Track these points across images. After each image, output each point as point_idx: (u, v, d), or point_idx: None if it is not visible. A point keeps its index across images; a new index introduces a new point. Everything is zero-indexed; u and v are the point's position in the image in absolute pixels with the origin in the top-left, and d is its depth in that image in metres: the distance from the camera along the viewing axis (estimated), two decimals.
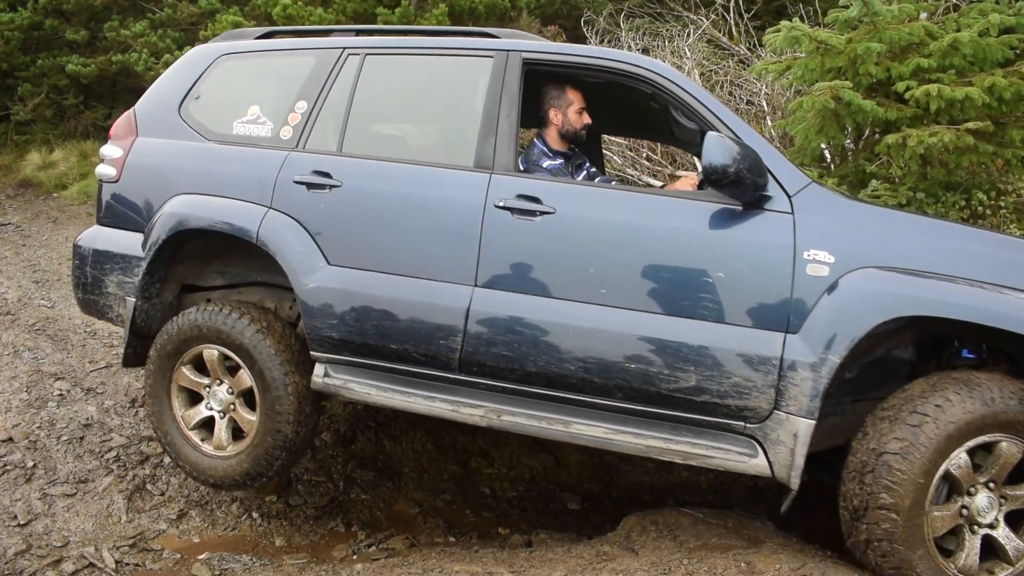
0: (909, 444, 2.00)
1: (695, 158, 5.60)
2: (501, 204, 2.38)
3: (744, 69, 6.51)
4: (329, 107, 2.71)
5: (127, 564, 2.65)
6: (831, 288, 2.12)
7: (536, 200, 2.36)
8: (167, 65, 7.07)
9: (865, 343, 2.10)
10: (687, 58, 6.54)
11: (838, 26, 4.43)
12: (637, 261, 2.28)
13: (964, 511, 2.05)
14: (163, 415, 2.78)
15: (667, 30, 7.14)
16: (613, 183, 2.99)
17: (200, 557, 2.73)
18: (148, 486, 3.06)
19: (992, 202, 4.07)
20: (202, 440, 2.78)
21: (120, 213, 2.88)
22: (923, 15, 4.48)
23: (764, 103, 6.12)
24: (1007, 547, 2.05)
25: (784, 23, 4.34)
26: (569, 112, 2.82)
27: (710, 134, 2.15)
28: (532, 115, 2.80)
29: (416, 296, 2.43)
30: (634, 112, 3.13)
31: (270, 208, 2.60)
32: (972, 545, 2.05)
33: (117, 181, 2.89)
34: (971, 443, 2.01)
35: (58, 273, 5.38)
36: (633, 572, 2.20)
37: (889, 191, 4.03)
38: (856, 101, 3.89)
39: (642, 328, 2.24)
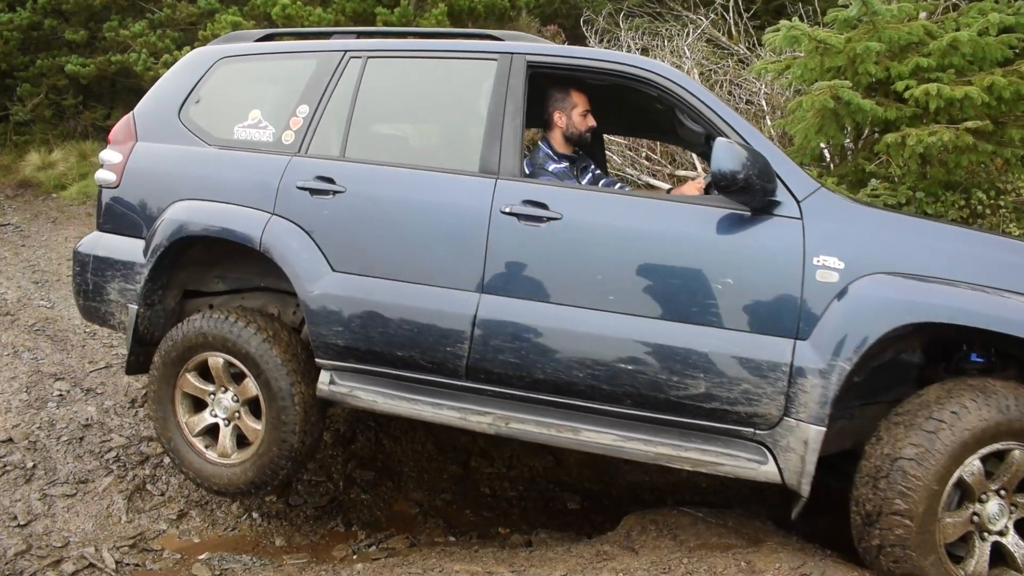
0: (925, 450, 1.99)
1: (695, 157, 5.61)
2: (507, 210, 2.36)
3: (743, 69, 6.52)
4: (331, 111, 2.68)
5: (127, 564, 2.65)
6: (841, 294, 2.11)
7: (542, 206, 2.35)
8: (166, 65, 7.09)
9: (875, 349, 2.09)
10: (686, 58, 6.54)
11: (837, 25, 4.43)
12: (645, 267, 2.27)
13: (975, 518, 2.05)
14: (167, 421, 2.76)
15: (666, 30, 7.15)
16: (618, 185, 2.97)
17: (200, 557, 2.73)
18: (148, 486, 3.06)
19: (991, 201, 4.07)
20: (206, 447, 2.76)
21: (121, 219, 2.86)
22: (922, 14, 4.49)
23: (763, 102, 6.12)
24: (1016, 555, 2.05)
25: (783, 22, 4.34)
26: (574, 115, 2.80)
27: (719, 140, 2.14)
28: (535, 115, 2.78)
29: (422, 303, 2.41)
30: (636, 112, 3.12)
31: (273, 214, 2.58)
32: (982, 552, 2.05)
33: (117, 187, 2.86)
34: (985, 450, 2.01)
35: (57, 273, 5.38)
36: (633, 571, 2.20)
37: (888, 190, 4.03)
38: (855, 100, 3.89)
39: (651, 335, 2.23)
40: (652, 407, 2.26)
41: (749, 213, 2.22)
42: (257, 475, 2.64)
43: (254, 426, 2.66)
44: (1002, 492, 2.06)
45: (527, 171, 2.71)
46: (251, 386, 2.63)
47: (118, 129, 2.97)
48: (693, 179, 5.58)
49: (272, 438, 2.60)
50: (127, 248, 2.81)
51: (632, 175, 5.79)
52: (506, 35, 2.71)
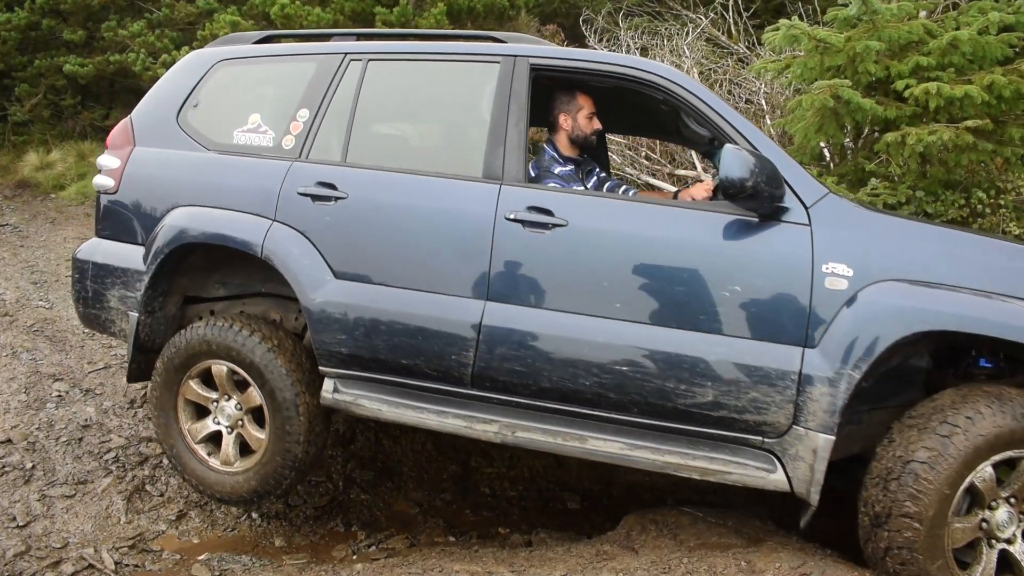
0: (938, 454, 1.99)
1: (695, 156, 5.60)
2: (512, 216, 2.34)
3: (743, 68, 6.51)
4: (332, 115, 2.65)
5: (126, 565, 2.65)
6: (850, 301, 2.09)
7: (548, 212, 2.33)
8: (165, 65, 7.07)
9: (884, 356, 2.07)
10: (686, 57, 6.54)
11: (837, 24, 4.43)
12: (651, 274, 2.25)
13: (984, 524, 2.05)
14: (169, 428, 2.74)
15: (666, 29, 7.14)
16: (623, 188, 2.95)
17: (200, 558, 2.73)
18: (147, 487, 3.06)
19: (991, 200, 4.07)
20: (209, 454, 2.74)
21: (120, 225, 2.83)
22: (922, 13, 4.48)
23: (763, 102, 6.11)
24: (1023, 563, 2.05)
25: (783, 21, 4.34)
26: (579, 117, 2.78)
27: (727, 147, 2.12)
28: (537, 114, 2.74)
29: (426, 311, 2.39)
30: (637, 111, 3.11)
31: (274, 220, 2.55)
32: (989, 559, 2.05)
33: (115, 192, 2.83)
34: (998, 457, 2.01)
35: (56, 274, 5.37)
36: (633, 571, 2.20)
37: (888, 190, 4.03)
38: (855, 100, 3.89)
39: (658, 343, 2.21)
40: (659, 415, 2.23)
41: (757, 219, 2.20)
42: (260, 484, 2.62)
43: (257, 435, 2.64)
44: (1012, 500, 2.06)
45: (532, 173, 2.69)
46: (255, 395, 2.61)
47: (116, 134, 2.94)
48: (694, 179, 5.58)
49: (276, 448, 2.58)
50: (126, 255, 2.78)
51: (632, 174, 5.78)
52: (509, 37, 2.68)
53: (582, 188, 2.76)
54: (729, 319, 2.18)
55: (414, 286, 2.42)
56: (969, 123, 3.71)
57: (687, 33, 6.92)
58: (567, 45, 7.70)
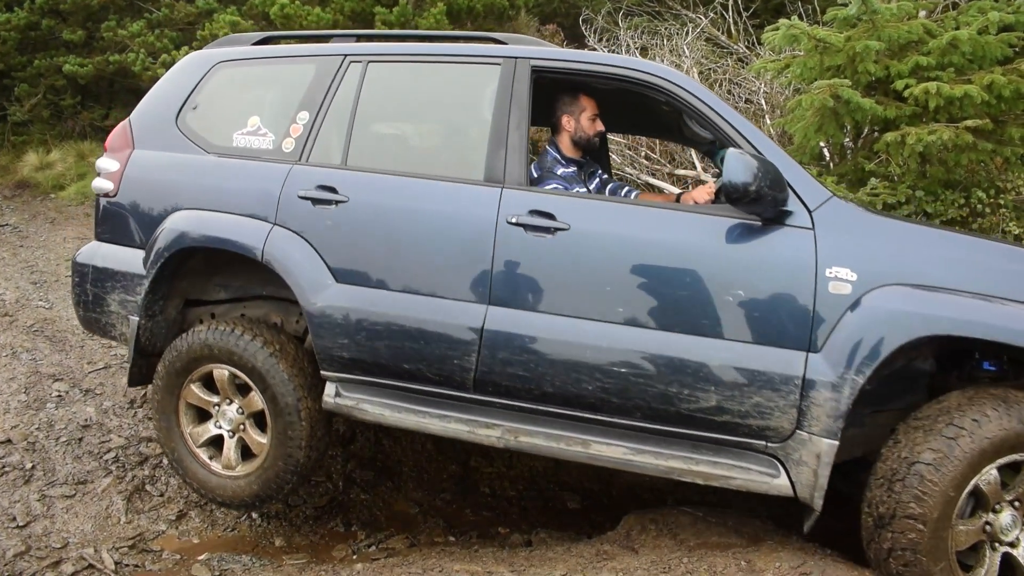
0: (943, 456, 1.98)
1: (694, 156, 5.60)
2: (513, 220, 2.33)
3: (743, 67, 6.51)
4: (332, 118, 2.63)
5: (126, 565, 2.65)
6: (854, 306, 2.08)
7: (550, 216, 2.32)
8: (164, 65, 7.07)
9: (888, 361, 2.06)
10: (686, 56, 6.54)
11: (837, 24, 4.43)
12: (653, 278, 2.24)
13: (988, 527, 2.05)
14: (171, 431, 2.73)
15: (666, 28, 7.14)
16: (626, 190, 2.95)
17: (200, 558, 2.73)
18: (147, 487, 3.06)
19: (991, 200, 4.07)
20: (210, 458, 2.73)
21: (119, 229, 2.81)
22: (922, 13, 4.49)
23: (763, 101, 6.11)
24: None
25: (783, 21, 4.34)
26: (582, 119, 2.77)
27: (731, 151, 2.11)
28: (538, 113, 2.73)
29: (428, 315, 2.38)
30: (638, 110, 3.10)
31: (275, 224, 2.54)
32: (992, 562, 2.05)
33: (115, 196, 2.81)
34: (1003, 460, 2.01)
35: (56, 274, 5.37)
36: (633, 571, 2.20)
37: (888, 189, 4.03)
38: (855, 99, 3.89)
39: (660, 347, 2.20)
40: (662, 420, 2.23)
41: (760, 223, 2.19)
42: (262, 489, 2.62)
43: (259, 439, 2.64)
44: (1016, 503, 2.06)
45: (535, 174, 2.68)
46: (257, 400, 2.60)
47: (114, 136, 2.93)
48: (693, 178, 5.58)
49: (278, 453, 2.57)
50: (126, 258, 2.77)
51: (631, 174, 5.78)
52: (509, 38, 2.67)
53: (584, 190, 2.75)
54: (732, 323, 2.17)
55: (415, 290, 2.41)
56: (969, 123, 3.71)
57: (687, 33, 6.92)
58: (567, 45, 7.70)
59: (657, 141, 5.86)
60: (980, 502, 2.04)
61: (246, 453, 2.71)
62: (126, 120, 2.96)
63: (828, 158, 4.85)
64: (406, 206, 2.46)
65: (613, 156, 5.87)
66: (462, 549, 2.83)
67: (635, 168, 5.85)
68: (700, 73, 6.42)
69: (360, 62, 2.67)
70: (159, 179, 2.78)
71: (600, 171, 3.00)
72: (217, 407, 2.72)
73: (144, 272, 2.70)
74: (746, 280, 2.17)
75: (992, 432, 1.98)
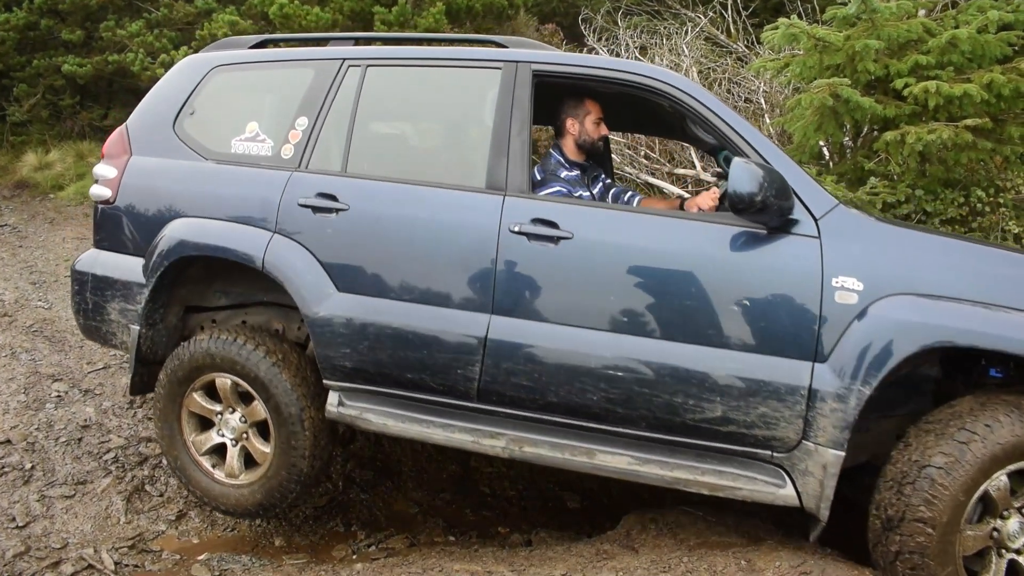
0: (954, 460, 1.98)
1: (694, 155, 5.60)
2: (516, 229, 2.31)
3: (742, 67, 6.51)
4: (331, 123, 2.60)
5: (126, 565, 2.65)
6: (860, 315, 2.07)
7: (552, 224, 2.29)
8: (163, 65, 7.07)
9: (894, 371, 2.05)
10: (685, 56, 6.53)
11: (836, 23, 4.44)
12: (658, 287, 2.22)
13: (995, 533, 2.04)
14: (173, 439, 2.72)
15: (665, 28, 7.14)
16: (629, 194, 2.93)
17: (199, 558, 2.73)
18: (147, 487, 3.06)
19: (991, 199, 4.08)
20: (213, 466, 2.72)
21: (118, 236, 2.79)
22: (921, 12, 4.49)
23: (762, 100, 6.12)
24: None
25: (782, 20, 4.34)
26: (587, 122, 2.76)
27: (736, 161, 2.09)
28: (540, 113, 2.70)
29: (431, 324, 2.36)
30: (639, 110, 3.08)
31: (275, 233, 2.51)
32: (998, 568, 2.05)
33: (113, 203, 2.78)
34: (1013, 467, 2.01)
35: (55, 274, 5.36)
36: (633, 570, 2.20)
37: (887, 188, 4.03)
38: (855, 98, 3.89)
39: (665, 357, 2.18)
40: (668, 430, 2.22)
41: (765, 231, 2.17)
42: (266, 498, 2.61)
43: (263, 448, 2.62)
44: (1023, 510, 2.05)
45: (538, 177, 2.67)
46: (260, 409, 2.59)
47: (111, 142, 2.90)
48: (693, 178, 5.58)
49: (281, 462, 2.56)
50: (126, 267, 2.74)
51: (631, 173, 5.78)
52: (510, 41, 2.63)
53: (588, 193, 2.74)
54: (738, 333, 2.15)
55: (418, 299, 2.39)
56: (968, 122, 3.71)
57: (686, 32, 6.92)
58: (566, 44, 7.70)
59: (657, 140, 5.86)
60: (988, 508, 2.04)
61: (249, 461, 2.69)
62: (123, 126, 2.92)
63: (828, 157, 4.85)
64: (407, 214, 2.43)
65: (613, 156, 5.87)
66: (462, 549, 2.83)
67: (635, 167, 5.85)
68: (699, 72, 6.42)
69: (359, 66, 2.64)
70: (157, 186, 2.75)
71: (603, 176, 2.98)
72: (220, 415, 2.70)
73: (144, 281, 2.67)
74: (751, 289, 2.15)
75: (1004, 438, 1.98)
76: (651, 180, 5.71)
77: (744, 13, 7.15)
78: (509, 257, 2.31)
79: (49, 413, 3.38)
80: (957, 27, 3.99)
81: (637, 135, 5.80)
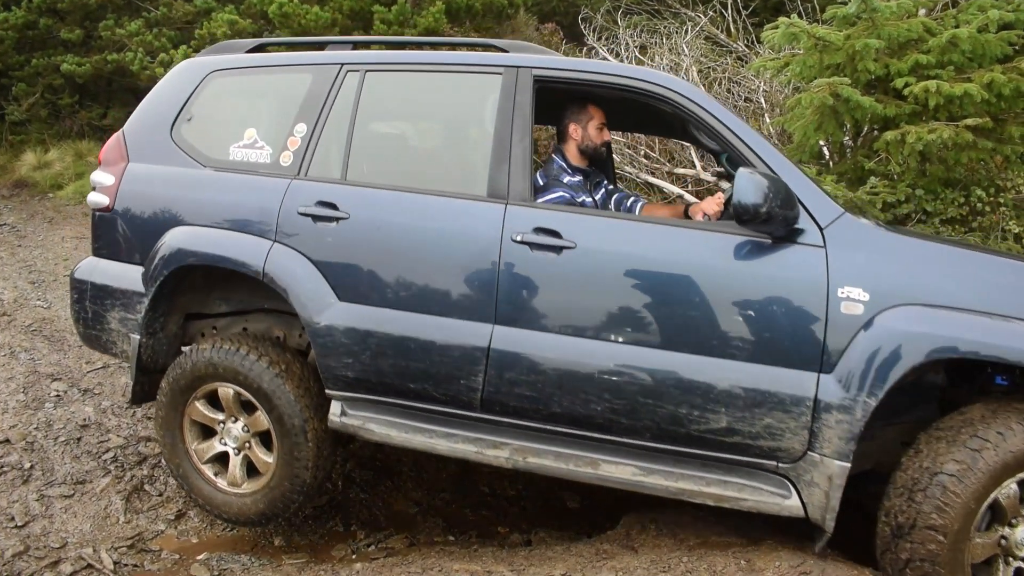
0: (967, 467, 1.98)
1: (694, 154, 5.60)
2: (518, 238, 2.29)
3: (742, 66, 6.51)
4: (330, 130, 2.57)
5: (125, 565, 2.64)
6: (866, 326, 2.05)
7: (555, 234, 2.27)
8: (163, 64, 7.06)
9: (900, 382, 2.04)
10: (685, 55, 6.53)
11: (836, 22, 4.43)
12: (662, 298, 2.20)
13: (1003, 541, 2.04)
14: (175, 447, 2.71)
15: (665, 27, 7.14)
16: (633, 198, 2.92)
17: (199, 557, 2.72)
18: (146, 487, 3.05)
19: (991, 199, 4.08)
20: (216, 474, 2.71)
21: (116, 245, 2.75)
22: (921, 11, 4.48)
23: (762, 100, 6.11)
24: None
25: (782, 19, 4.34)
26: (589, 128, 2.74)
27: (741, 171, 2.07)
28: (541, 113, 2.67)
29: (433, 334, 2.34)
30: (641, 111, 3.06)
31: (275, 242, 2.49)
32: None
33: (111, 211, 2.74)
34: (1023, 475, 2.00)
35: (54, 274, 5.36)
36: (633, 570, 2.20)
37: (888, 188, 4.03)
38: (855, 98, 3.89)
39: (670, 368, 2.17)
40: (672, 440, 2.21)
41: (770, 241, 2.16)
42: (268, 507, 2.60)
43: (265, 458, 2.61)
44: None
45: (540, 182, 2.65)
46: (263, 419, 2.57)
47: (108, 149, 2.86)
48: (692, 177, 5.58)
49: (284, 473, 2.55)
50: (125, 275, 2.71)
51: (631, 173, 5.78)
52: (511, 45, 2.61)
53: (590, 199, 2.73)
54: (742, 344, 2.13)
55: (420, 309, 2.37)
56: (969, 121, 3.71)
57: (686, 31, 6.92)
58: (565, 43, 7.70)
59: (656, 139, 5.85)
60: (997, 516, 2.03)
61: (251, 470, 2.68)
62: (119, 132, 2.88)
63: (828, 157, 4.85)
64: (408, 223, 2.41)
65: (613, 156, 5.86)
66: (461, 548, 2.83)
67: (634, 167, 5.84)
68: (699, 72, 6.42)
69: (357, 71, 2.60)
70: (155, 194, 2.71)
71: (605, 182, 2.97)
72: (222, 424, 2.68)
73: (143, 290, 2.65)
74: (756, 300, 2.13)
75: (1016, 446, 1.97)
76: (651, 180, 5.70)
77: (744, 12, 7.15)
78: (511, 267, 2.29)
79: (48, 412, 3.38)
80: (957, 26, 3.99)
81: (637, 135, 5.79)
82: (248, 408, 2.63)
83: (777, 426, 2.10)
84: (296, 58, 2.84)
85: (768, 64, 4.72)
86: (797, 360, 2.10)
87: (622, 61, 6.68)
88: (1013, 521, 2.04)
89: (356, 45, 2.80)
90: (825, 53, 4.18)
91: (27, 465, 3.01)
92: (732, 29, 7.15)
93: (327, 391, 2.50)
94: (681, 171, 5.65)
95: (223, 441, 2.69)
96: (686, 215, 2.79)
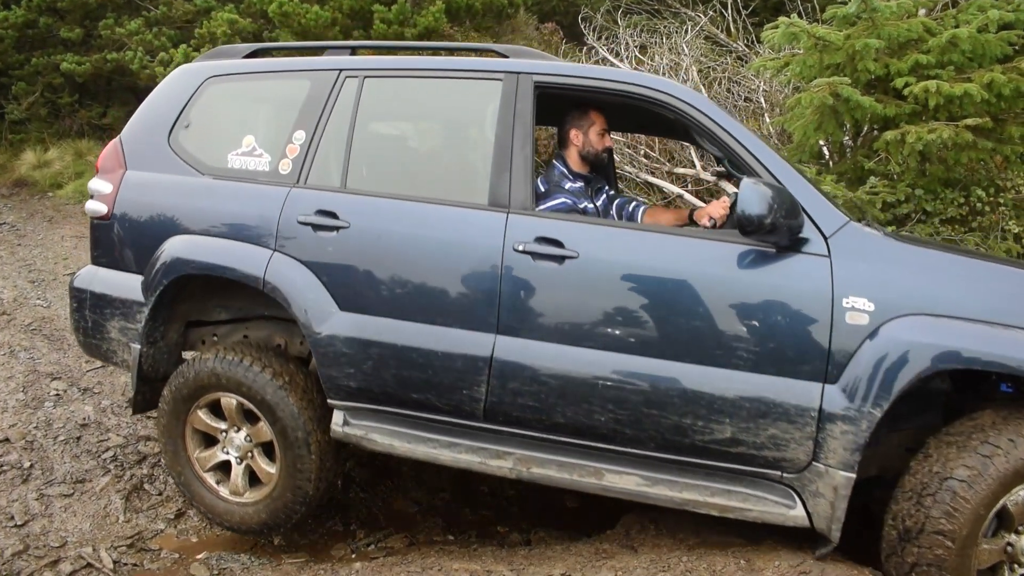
0: (977, 473, 1.97)
1: (694, 154, 5.60)
2: (520, 248, 2.27)
3: (742, 66, 6.51)
4: (329, 137, 2.54)
5: (125, 564, 2.64)
6: (871, 335, 2.04)
7: (557, 243, 2.26)
8: (162, 63, 7.06)
9: (905, 392, 2.03)
10: (685, 55, 6.53)
11: (836, 22, 4.43)
12: (665, 308, 2.19)
13: (1009, 548, 2.04)
14: (177, 456, 2.70)
15: (665, 27, 7.13)
16: (635, 203, 2.92)
17: (198, 557, 2.72)
18: (146, 486, 3.05)
19: (991, 199, 4.08)
20: (218, 482, 2.70)
21: (115, 253, 2.73)
22: (921, 11, 4.48)
23: (762, 100, 6.11)
24: None
25: (782, 19, 4.34)
26: (591, 133, 2.73)
27: (745, 182, 2.06)
28: (542, 113, 2.65)
29: (435, 344, 2.32)
30: (642, 113, 3.05)
31: (275, 251, 2.47)
32: None
33: (109, 219, 2.72)
34: None
35: (54, 273, 5.36)
36: (632, 569, 2.20)
37: (887, 188, 4.03)
38: (855, 97, 3.89)
39: (673, 378, 2.16)
40: (676, 450, 2.20)
41: (774, 250, 2.14)
42: (270, 518, 2.60)
43: (268, 469, 2.60)
44: None
45: (542, 188, 2.65)
46: (266, 430, 2.56)
47: (106, 156, 2.84)
48: (692, 177, 5.58)
49: (287, 484, 2.55)
50: (124, 284, 2.69)
51: (631, 172, 5.78)
52: (512, 51, 2.56)
53: (591, 205, 2.72)
54: (746, 354, 2.12)
55: (422, 319, 2.35)
56: (969, 121, 3.71)
57: (686, 31, 6.92)
58: (565, 43, 7.69)
59: (656, 139, 5.85)
60: (1004, 522, 2.03)
61: (254, 479, 2.67)
62: (117, 139, 2.86)
63: (827, 156, 4.85)
64: (409, 232, 2.39)
65: (614, 156, 5.86)
66: (461, 548, 2.83)
67: (634, 166, 5.84)
68: (699, 72, 6.41)
69: (356, 77, 2.57)
70: (153, 202, 2.69)
71: (607, 187, 2.96)
72: (224, 434, 2.67)
73: (143, 299, 2.64)
74: (760, 309, 2.11)
75: None
76: (651, 179, 5.70)
77: (744, 12, 7.14)
78: (514, 276, 2.27)
79: (48, 411, 3.38)
80: (957, 26, 3.99)
81: (637, 134, 5.79)
82: (251, 418, 2.61)
83: (782, 436, 2.10)
84: (294, 64, 2.81)
85: (768, 64, 4.72)
86: (801, 370, 2.09)
87: (622, 61, 6.68)
88: (1020, 528, 2.04)
89: (355, 50, 2.77)
90: (825, 53, 4.18)
91: (27, 464, 3.01)
92: (732, 29, 7.15)
93: (329, 400, 2.48)
94: (681, 171, 5.64)
95: (225, 450, 2.68)
96: (691, 218, 2.78)
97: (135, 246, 2.70)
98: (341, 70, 2.61)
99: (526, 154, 2.36)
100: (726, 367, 2.14)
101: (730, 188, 4.30)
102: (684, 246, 2.26)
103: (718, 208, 2.57)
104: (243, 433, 2.64)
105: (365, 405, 2.44)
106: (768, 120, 5.81)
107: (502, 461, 2.31)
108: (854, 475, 2.05)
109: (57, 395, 3.52)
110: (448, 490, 3.35)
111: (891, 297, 2.06)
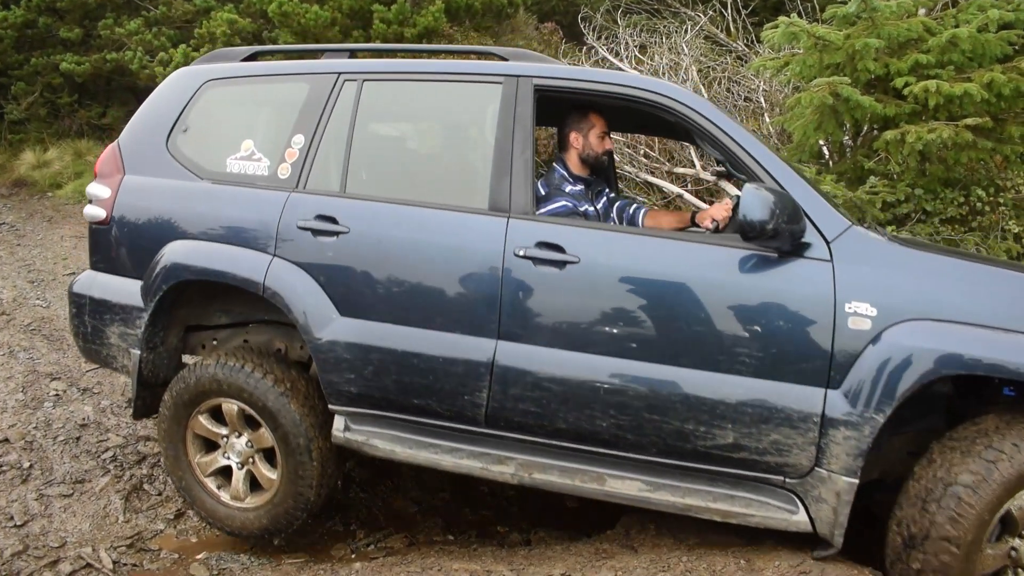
0: (982, 478, 1.96)
1: (693, 154, 5.60)
2: (521, 253, 2.26)
3: (742, 65, 6.51)
4: (328, 141, 2.53)
5: (124, 564, 2.64)
6: (874, 341, 2.03)
7: (558, 248, 2.25)
8: (162, 63, 7.06)
9: (908, 397, 2.02)
10: (685, 55, 6.53)
11: (836, 22, 4.44)
12: (666, 313, 2.18)
13: (1013, 553, 2.03)
14: (178, 460, 2.69)
15: (664, 26, 7.13)
16: (635, 206, 2.91)
17: (198, 557, 2.72)
18: (145, 486, 3.05)
19: (991, 198, 4.08)
20: (219, 487, 2.69)
21: (114, 258, 2.72)
22: (921, 11, 4.49)
23: (762, 99, 6.11)
24: None
25: (782, 19, 4.34)
26: (591, 136, 2.72)
27: (747, 187, 2.05)
28: (542, 114, 2.64)
29: (436, 349, 2.32)
30: (643, 114, 3.04)
31: (274, 256, 2.46)
32: None
33: (107, 224, 2.70)
34: None
35: (53, 273, 5.36)
36: (632, 569, 2.20)
37: (887, 188, 4.03)
38: (854, 97, 3.89)
39: (675, 383, 2.16)
40: (678, 456, 2.20)
41: (776, 255, 2.13)
42: (272, 523, 2.60)
43: (269, 474, 2.60)
44: None
45: (542, 191, 2.64)
46: (267, 436, 2.55)
47: (104, 161, 2.83)
48: (692, 176, 5.58)
49: (288, 490, 2.54)
50: (124, 289, 2.67)
51: (630, 172, 5.78)
52: (512, 53, 2.55)
53: (592, 208, 2.72)
54: (749, 359, 2.11)
55: (422, 324, 2.34)
56: (968, 121, 3.71)
57: (686, 31, 6.92)
58: (565, 43, 7.69)
59: (656, 139, 5.85)
60: (1008, 527, 2.02)
61: (255, 484, 2.67)
62: (115, 143, 2.85)
63: (827, 156, 4.85)
64: (409, 237, 2.38)
65: (614, 156, 5.85)
66: (461, 548, 2.83)
67: (634, 166, 5.85)
68: (699, 71, 6.41)
69: (355, 80, 2.55)
70: (152, 207, 2.67)
71: (607, 190, 2.95)
72: (225, 439, 2.67)
73: (142, 304, 2.63)
74: (762, 315, 2.10)
75: None
76: (650, 179, 5.70)
77: (744, 12, 7.15)
78: (515, 282, 2.26)
79: (47, 412, 3.37)
80: (957, 26, 3.99)
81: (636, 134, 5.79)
82: (252, 423, 2.60)
83: (784, 442, 2.09)
84: (292, 67, 2.80)
85: (768, 64, 4.72)
86: (804, 376, 2.08)
87: (621, 61, 6.67)
88: (1023, 533, 2.03)
89: (354, 53, 2.76)
90: (825, 52, 4.18)
91: (26, 464, 3.01)
92: (732, 28, 7.15)
93: (330, 406, 2.48)
94: (681, 170, 5.65)
95: (226, 455, 2.68)
96: (693, 221, 2.78)
97: (134, 251, 2.69)
98: (340, 73, 2.60)
99: (526, 158, 2.35)
100: (728, 372, 2.13)
101: (730, 188, 4.31)
102: (686, 251, 2.25)
103: (720, 210, 2.56)
104: (244, 439, 2.63)
105: (366, 410, 2.44)
106: (768, 120, 5.81)
107: (504, 467, 2.31)
108: (857, 480, 2.05)
109: (56, 395, 3.51)
110: (448, 490, 3.35)
111: (893, 302, 2.05)
